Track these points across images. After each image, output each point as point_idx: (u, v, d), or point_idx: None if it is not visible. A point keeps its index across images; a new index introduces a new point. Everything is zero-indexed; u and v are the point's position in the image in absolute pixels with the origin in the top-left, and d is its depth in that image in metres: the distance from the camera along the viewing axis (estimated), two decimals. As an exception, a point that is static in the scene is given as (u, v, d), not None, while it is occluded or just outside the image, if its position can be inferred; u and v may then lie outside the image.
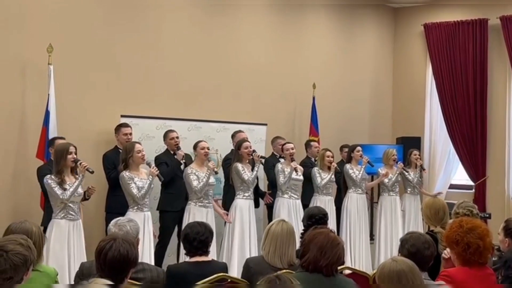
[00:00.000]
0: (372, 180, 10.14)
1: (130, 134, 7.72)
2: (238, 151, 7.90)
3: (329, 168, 8.83)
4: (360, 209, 9.10)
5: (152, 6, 8.70)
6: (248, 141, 8.06)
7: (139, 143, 6.94)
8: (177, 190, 7.73)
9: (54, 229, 6.11)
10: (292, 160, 8.34)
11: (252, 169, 7.93)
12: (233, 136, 8.62)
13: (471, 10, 11.59)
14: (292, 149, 8.42)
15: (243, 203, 7.85)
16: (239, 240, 7.72)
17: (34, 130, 7.33)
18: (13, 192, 7.36)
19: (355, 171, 9.07)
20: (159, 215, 7.86)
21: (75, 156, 6.25)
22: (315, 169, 8.82)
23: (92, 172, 6.39)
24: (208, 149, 7.58)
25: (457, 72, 11.56)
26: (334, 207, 8.88)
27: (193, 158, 7.74)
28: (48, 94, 7.26)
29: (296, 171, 8.32)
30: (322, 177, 8.76)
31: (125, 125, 7.79)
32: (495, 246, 5.51)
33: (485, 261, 4.08)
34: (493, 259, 5.02)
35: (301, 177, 8.43)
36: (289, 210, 8.22)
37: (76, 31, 7.88)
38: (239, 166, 7.81)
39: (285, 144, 8.59)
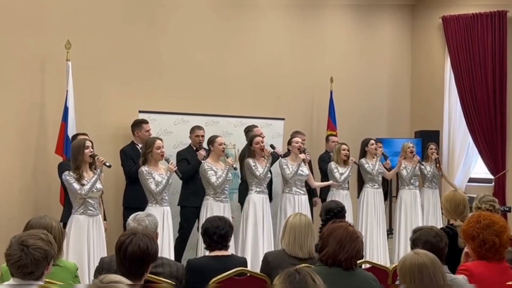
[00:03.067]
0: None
1: (150, 129, 7.77)
2: (251, 147, 7.91)
3: (345, 162, 8.81)
4: (377, 203, 9.07)
5: (171, 2, 8.71)
6: (260, 136, 8.04)
7: (160, 139, 6.96)
8: (196, 187, 7.74)
9: (73, 224, 6.14)
10: (302, 151, 8.29)
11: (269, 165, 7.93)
12: (247, 130, 8.58)
13: (489, 2, 11.47)
14: (301, 143, 8.38)
15: (256, 198, 7.84)
16: (253, 235, 7.72)
17: (53, 126, 7.38)
18: (33, 187, 7.41)
19: (370, 165, 9.04)
20: (179, 211, 7.89)
21: (92, 150, 6.28)
22: (332, 164, 8.79)
23: (109, 166, 6.41)
24: (225, 144, 7.59)
25: (476, 64, 11.47)
26: (351, 202, 8.85)
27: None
28: (67, 90, 7.30)
29: (305, 162, 8.28)
30: (340, 171, 8.74)
31: (145, 121, 7.83)
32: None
33: (501, 257, 4.06)
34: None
35: (306, 172, 8.35)
36: (295, 206, 8.14)
37: (93, 27, 7.91)
38: (251, 161, 7.80)
39: (293, 137, 8.52)
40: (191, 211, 7.79)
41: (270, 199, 8.70)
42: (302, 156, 8.20)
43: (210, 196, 7.41)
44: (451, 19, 11.78)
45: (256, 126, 8.61)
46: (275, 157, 8.34)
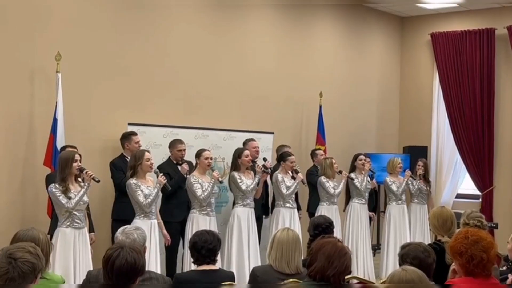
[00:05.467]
0: (380, 188, 10.11)
1: (140, 141, 7.73)
2: (238, 160, 7.91)
3: (333, 176, 8.83)
4: (363, 218, 9.12)
5: (160, 14, 8.71)
6: (247, 149, 8.12)
7: (148, 151, 6.98)
8: (179, 201, 7.69)
9: (59, 237, 6.12)
10: (297, 172, 8.38)
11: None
12: (244, 143, 8.58)
13: (478, 19, 11.59)
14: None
15: (241, 212, 7.86)
16: (237, 249, 7.75)
17: (42, 137, 7.35)
18: (20, 199, 7.36)
19: (359, 180, 9.08)
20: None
21: (80, 164, 6.26)
22: (323, 179, 8.79)
23: (98, 181, 6.40)
24: (211, 159, 7.59)
25: (464, 81, 11.55)
26: (340, 216, 8.87)
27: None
28: (56, 102, 7.28)
29: (303, 183, 8.46)
30: (332, 185, 8.76)
31: (134, 133, 7.78)
32: (502, 255, 5.49)
33: (488, 273, 4.07)
34: (501, 268, 5.00)
35: (298, 187, 8.53)
36: (290, 220, 8.23)
37: (84, 40, 7.90)
38: (236, 175, 7.84)
39: (290, 156, 8.56)
40: (173, 226, 7.63)
41: (267, 212, 8.76)
42: (301, 176, 8.42)
43: (196, 210, 7.41)
44: (440, 36, 11.87)
45: (253, 140, 8.65)
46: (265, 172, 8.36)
